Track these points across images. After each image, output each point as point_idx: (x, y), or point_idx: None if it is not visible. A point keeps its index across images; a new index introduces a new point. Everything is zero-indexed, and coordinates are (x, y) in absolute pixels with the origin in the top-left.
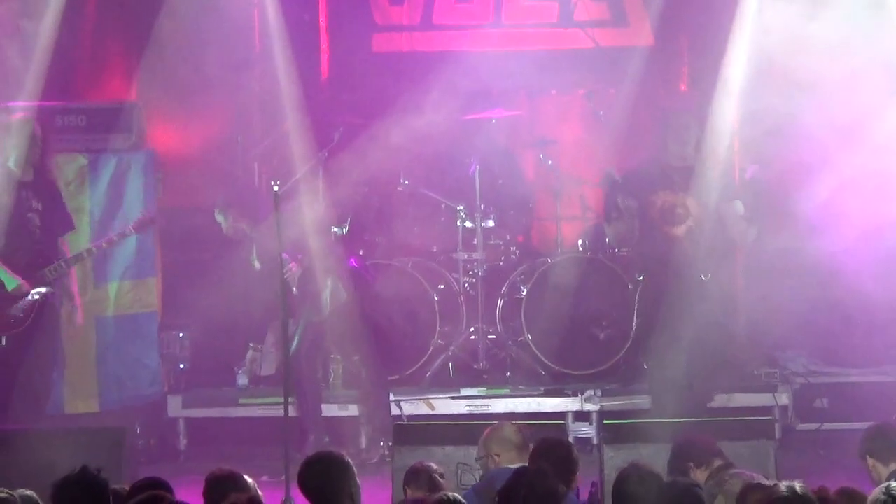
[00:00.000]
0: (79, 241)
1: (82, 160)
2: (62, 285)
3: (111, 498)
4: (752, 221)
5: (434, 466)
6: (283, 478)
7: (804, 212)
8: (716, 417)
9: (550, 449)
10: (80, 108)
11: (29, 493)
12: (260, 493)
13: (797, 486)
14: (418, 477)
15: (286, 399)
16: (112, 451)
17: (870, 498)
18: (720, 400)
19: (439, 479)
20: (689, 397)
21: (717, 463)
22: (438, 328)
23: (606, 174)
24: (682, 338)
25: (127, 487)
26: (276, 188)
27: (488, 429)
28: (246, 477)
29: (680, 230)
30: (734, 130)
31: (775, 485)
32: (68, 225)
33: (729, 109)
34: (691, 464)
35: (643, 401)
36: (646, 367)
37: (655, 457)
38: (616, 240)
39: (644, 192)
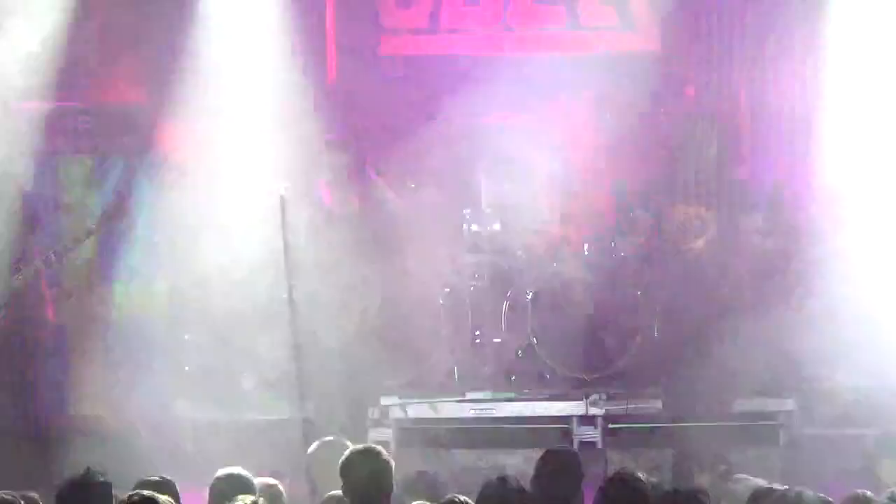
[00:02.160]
0: (85, 244)
1: (89, 162)
2: (36, 287)
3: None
4: (769, 234)
5: (430, 472)
6: (288, 481)
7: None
8: (722, 422)
9: (557, 458)
10: (87, 109)
11: (32, 495)
12: (283, 489)
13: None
14: (415, 484)
15: (292, 401)
16: (119, 454)
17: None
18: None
19: (440, 484)
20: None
21: (721, 468)
22: (444, 331)
23: (618, 185)
24: (703, 349)
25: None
26: (282, 191)
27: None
28: (269, 480)
29: (698, 243)
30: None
31: (799, 492)
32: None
33: (750, 116)
34: (695, 468)
35: (649, 405)
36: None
37: (660, 461)
38: (629, 253)
39: (660, 206)
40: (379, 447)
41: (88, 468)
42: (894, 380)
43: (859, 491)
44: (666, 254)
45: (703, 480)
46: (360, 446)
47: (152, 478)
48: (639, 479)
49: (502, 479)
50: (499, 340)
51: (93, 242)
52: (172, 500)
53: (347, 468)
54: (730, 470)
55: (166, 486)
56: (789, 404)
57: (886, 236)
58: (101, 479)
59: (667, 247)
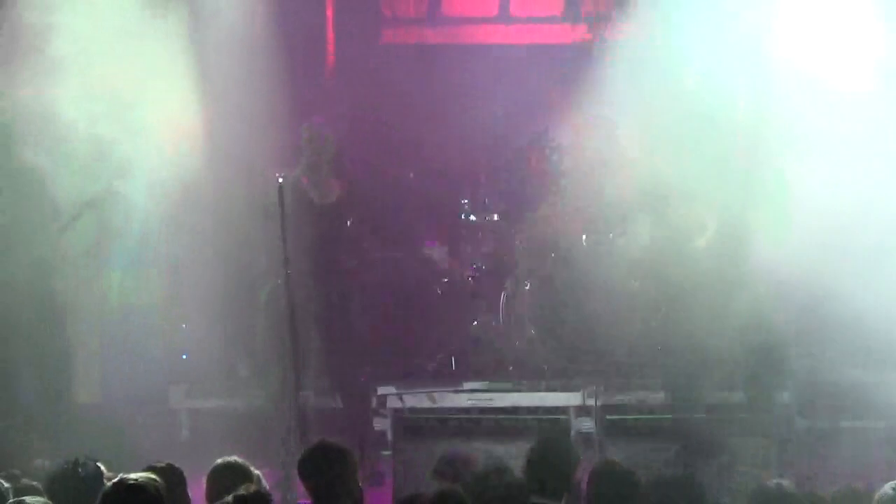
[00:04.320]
0: (84, 232)
1: (91, 149)
2: None
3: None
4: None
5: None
6: (283, 472)
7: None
8: (718, 414)
9: (550, 446)
10: (92, 97)
11: (33, 483)
12: (265, 483)
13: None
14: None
15: (288, 390)
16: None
17: (878, 494)
18: (722, 397)
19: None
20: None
21: (724, 459)
22: (442, 322)
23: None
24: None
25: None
26: (280, 180)
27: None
28: (252, 469)
29: (698, 243)
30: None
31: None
32: None
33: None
34: (699, 459)
35: (646, 396)
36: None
37: (656, 452)
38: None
39: (657, 206)
40: (341, 441)
41: (77, 458)
42: (889, 371)
43: (850, 484)
44: (669, 257)
45: (705, 472)
46: (321, 440)
47: (158, 464)
48: (625, 469)
49: (499, 470)
50: (497, 331)
51: (91, 231)
52: (158, 480)
53: (303, 462)
54: (733, 462)
55: (172, 473)
56: (785, 397)
57: (884, 229)
58: (92, 467)
59: (669, 249)
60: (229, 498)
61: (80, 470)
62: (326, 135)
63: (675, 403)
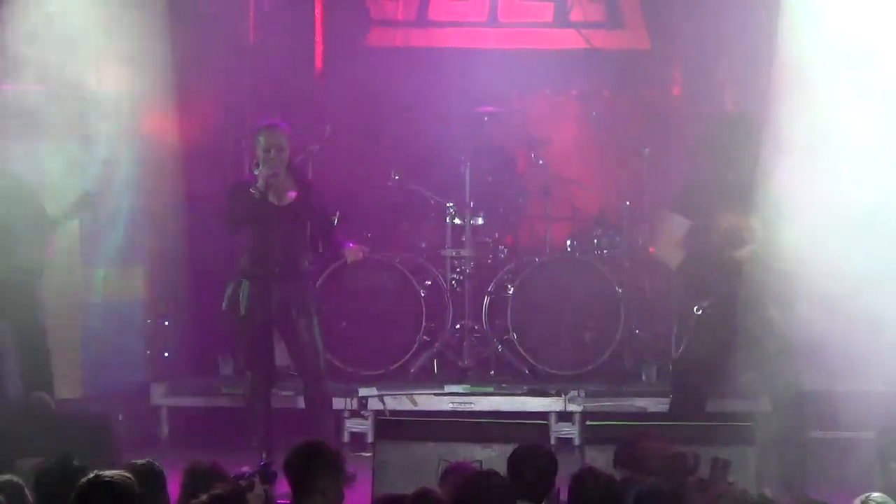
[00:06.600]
0: (68, 228)
1: (74, 145)
2: None
3: None
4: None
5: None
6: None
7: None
8: (697, 422)
9: (529, 452)
10: (73, 94)
11: (14, 479)
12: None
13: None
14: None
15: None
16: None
17: None
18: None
19: None
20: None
21: (717, 468)
22: (424, 324)
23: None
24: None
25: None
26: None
27: None
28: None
29: (744, 254)
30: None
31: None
32: None
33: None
34: (688, 467)
35: (627, 403)
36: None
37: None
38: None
39: (703, 213)
40: (328, 443)
41: (66, 453)
42: (871, 383)
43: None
44: (714, 266)
45: (693, 480)
46: (310, 439)
47: (138, 461)
48: (605, 476)
49: (489, 473)
50: (479, 334)
51: (75, 227)
52: (132, 478)
53: (289, 458)
54: (724, 470)
55: (152, 470)
56: (767, 405)
57: (877, 238)
58: (78, 463)
59: (713, 258)
60: (204, 497)
61: (73, 464)
62: (279, 138)
63: (673, 410)
